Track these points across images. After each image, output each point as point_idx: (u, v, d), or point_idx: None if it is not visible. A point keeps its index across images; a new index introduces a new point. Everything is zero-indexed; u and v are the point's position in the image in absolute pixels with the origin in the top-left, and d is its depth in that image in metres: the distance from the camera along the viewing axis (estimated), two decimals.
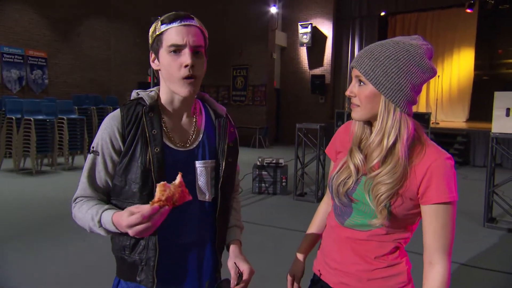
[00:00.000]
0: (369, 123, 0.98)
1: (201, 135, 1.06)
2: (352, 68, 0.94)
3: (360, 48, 11.76)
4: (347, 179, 0.97)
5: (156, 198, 0.82)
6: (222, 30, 11.82)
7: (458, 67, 12.01)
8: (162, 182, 0.82)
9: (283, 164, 5.53)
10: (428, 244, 0.89)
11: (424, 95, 12.67)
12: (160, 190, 0.82)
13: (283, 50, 12.54)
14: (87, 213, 0.95)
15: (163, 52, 0.95)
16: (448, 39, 11.92)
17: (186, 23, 0.94)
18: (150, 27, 1.00)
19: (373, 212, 0.92)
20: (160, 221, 0.83)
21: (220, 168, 1.06)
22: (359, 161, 0.95)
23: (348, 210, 0.98)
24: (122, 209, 0.95)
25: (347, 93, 0.94)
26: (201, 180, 1.04)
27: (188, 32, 0.94)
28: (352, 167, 0.96)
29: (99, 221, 0.92)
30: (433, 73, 0.90)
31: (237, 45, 11.81)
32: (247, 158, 7.93)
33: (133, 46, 10.80)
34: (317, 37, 11.62)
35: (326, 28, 11.63)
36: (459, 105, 11.98)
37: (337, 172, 1.00)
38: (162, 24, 0.95)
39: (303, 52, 12.03)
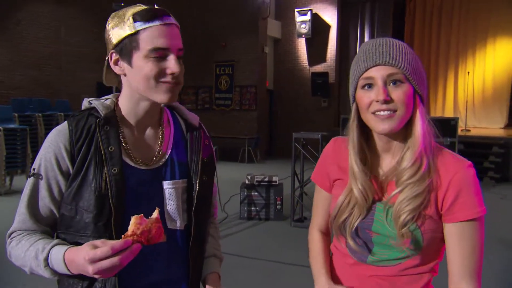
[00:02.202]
0: (364, 135, 1.04)
1: (169, 150, 1.09)
2: (370, 68, 0.96)
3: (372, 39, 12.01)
4: (354, 210, 1.01)
5: (129, 232, 0.86)
6: (201, 18, 11.99)
7: (493, 61, 12.28)
8: (138, 215, 0.88)
9: (277, 183, 5.57)
10: (454, 269, 0.94)
11: (451, 95, 12.95)
12: (135, 223, 0.86)
13: (277, 42, 12.74)
14: (29, 250, 0.95)
15: (139, 56, 0.97)
16: (480, 27, 12.24)
17: (167, 21, 0.98)
18: (109, 16, 1.03)
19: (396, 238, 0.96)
20: (129, 260, 0.86)
21: (194, 189, 1.08)
22: (366, 189, 0.99)
23: (369, 245, 1.01)
24: (73, 244, 0.97)
25: (383, 96, 0.93)
26: (171, 204, 1.06)
27: (171, 34, 0.98)
28: (358, 194, 0.99)
29: (46, 259, 0.92)
30: None
31: (220, 37, 11.97)
32: (234, 175, 7.94)
33: (89, 38, 10.84)
34: (319, 26, 11.87)
35: (329, 15, 11.90)
36: (495, 107, 12.21)
37: (340, 206, 1.03)
38: (136, 21, 0.97)
39: (302, 44, 12.25)
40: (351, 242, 1.03)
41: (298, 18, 11.82)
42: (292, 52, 12.48)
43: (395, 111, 0.94)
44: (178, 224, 1.08)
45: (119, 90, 1.10)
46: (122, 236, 0.86)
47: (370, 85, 0.97)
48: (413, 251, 0.96)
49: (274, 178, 5.55)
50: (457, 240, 0.93)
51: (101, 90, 11.18)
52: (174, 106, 1.17)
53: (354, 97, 1.02)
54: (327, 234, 1.19)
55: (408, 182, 0.95)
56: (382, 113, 0.95)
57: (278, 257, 4.05)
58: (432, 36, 13.22)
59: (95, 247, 0.85)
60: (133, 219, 0.87)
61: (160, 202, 1.05)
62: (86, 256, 0.84)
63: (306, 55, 12.21)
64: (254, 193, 5.46)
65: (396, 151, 1.01)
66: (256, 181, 5.51)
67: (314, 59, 12.08)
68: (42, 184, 0.99)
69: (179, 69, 0.98)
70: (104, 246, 0.85)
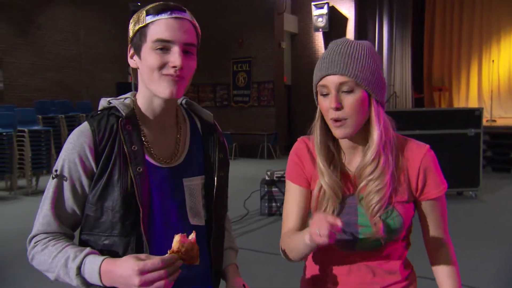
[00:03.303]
0: (330, 134, 1.08)
1: (187, 148, 1.10)
2: (324, 77, 1.02)
3: (390, 32, 11.82)
4: (328, 203, 1.08)
5: (175, 248, 0.88)
6: (218, 15, 12.03)
7: None
8: (180, 234, 0.91)
9: None
10: (432, 234, 1.14)
11: (475, 85, 12.62)
12: (179, 241, 0.89)
13: (294, 37, 12.67)
14: (57, 257, 0.95)
15: (146, 48, 0.98)
16: (505, 12, 11.89)
17: (177, 15, 0.98)
18: (130, 16, 1.04)
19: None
20: (174, 277, 0.87)
21: (213, 185, 1.10)
22: (335, 185, 1.07)
23: (354, 237, 1.08)
24: (97, 245, 0.99)
25: (334, 104, 1.00)
26: (192, 200, 1.08)
27: (179, 27, 0.97)
28: (327, 189, 1.07)
29: (79, 267, 0.92)
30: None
31: (237, 34, 11.99)
32: (254, 172, 7.96)
33: (108, 39, 11.04)
34: (336, 19, 11.74)
35: (347, 8, 11.76)
36: None
37: (318, 198, 1.10)
38: (147, 15, 0.98)
39: (319, 38, 12.15)
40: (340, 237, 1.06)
41: (315, 12, 11.72)
42: (309, 47, 12.39)
43: (345, 119, 1.00)
44: (201, 219, 1.10)
45: (137, 88, 1.11)
46: (168, 251, 0.88)
47: (326, 93, 1.03)
48: (391, 235, 1.07)
49: None
50: (430, 212, 1.11)
51: (120, 90, 11.19)
52: (189, 104, 1.17)
53: (317, 100, 1.09)
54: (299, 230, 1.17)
55: (369, 178, 1.05)
56: (335, 120, 1.02)
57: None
58: (453, 24, 12.90)
59: (140, 259, 0.87)
60: (177, 237, 0.89)
61: (181, 199, 1.07)
62: (136, 266, 0.85)
63: (323, 49, 12.08)
64: (274, 189, 5.46)
65: (359, 150, 1.10)
66: (276, 177, 5.50)
67: None
68: (66, 185, 1.00)
69: (181, 62, 0.96)
70: (152, 259, 0.86)
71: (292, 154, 1.18)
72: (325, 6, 11.60)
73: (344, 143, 1.10)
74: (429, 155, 1.09)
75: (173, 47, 0.97)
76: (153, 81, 0.99)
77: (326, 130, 1.09)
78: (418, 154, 1.08)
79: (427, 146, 1.10)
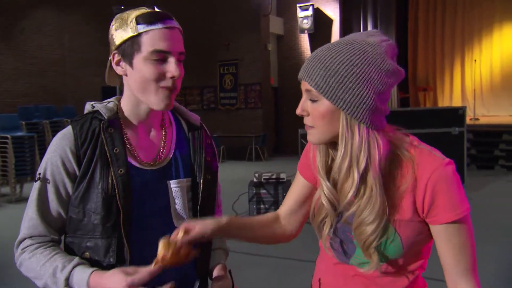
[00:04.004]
0: (333, 143, 0.97)
1: (172, 150, 1.11)
2: (301, 80, 0.94)
3: None
4: (326, 218, 0.99)
5: (160, 256, 0.88)
6: (204, 18, 12.01)
7: (501, 47, 12.17)
8: (163, 239, 0.90)
9: (285, 180, 5.56)
10: (448, 269, 0.92)
11: (459, 84, 12.84)
12: (163, 247, 0.89)
13: (280, 39, 12.72)
14: (46, 266, 0.96)
15: (140, 58, 0.99)
16: (486, 13, 12.12)
17: (169, 25, 1.00)
18: (113, 18, 1.04)
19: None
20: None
21: (198, 188, 1.11)
22: (331, 194, 0.96)
23: (350, 246, 0.99)
24: (80, 247, 1.00)
25: (298, 111, 0.93)
26: (177, 202, 1.09)
27: (173, 37, 1.00)
28: (325, 202, 0.97)
29: (67, 279, 0.93)
30: (399, 75, 0.91)
31: (223, 36, 11.99)
32: (242, 174, 7.95)
33: (93, 43, 10.93)
34: (321, 21, 11.83)
35: (331, 9, 11.86)
36: (503, 94, 12.11)
37: (316, 205, 1.02)
38: (138, 23, 0.99)
39: (305, 40, 12.22)
40: (332, 244, 1.02)
41: (300, 14, 11.80)
42: (295, 48, 12.45)
43: (311, 126, 0.93)
44: (186, 222, 1.09)
45: (122, 92, 1.12)
46: (154, 261, 0.89)
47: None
48: (392, 257, 0.94)
49: (282, 175, 5.54)
50: (445, 240, 0.90)
51: (106, 94, 11.15)
52: (175, 107, 1.18)
53: None
54: (281, 218, 1.15)
55: (348, 199, 0.92)
56: (306, 126, 0.95)
57: (288, 254, 4.05)
58: (436, 25, 13.11)
59: (128, 273, 0.89)
60: (161, 243, 0.89)
61: (166, 201, 1.07)
62: (124, 282, 0.88)
63: (309, 51, 12.17)
64: (262, 191, 5.45)
65: (336, 170, 0.97)
66: (264, 179, 5.50)
67: None
68: (50, 187, 1.01)
69: (179, 72, 1.00)
70: (140, 272, 0.88)
71: (306, 146, 1.13)
72: (310, 8, 11.69)
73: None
74: (443, 170, 0.88)
75: (169, 57, 1.00)
76: (147, 92, 1.01)
77: None
78: (428, 168, 0.89)
79: (444, 160, 0.90)
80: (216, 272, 1.14)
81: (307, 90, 0.92)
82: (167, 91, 1.01)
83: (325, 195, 0.97)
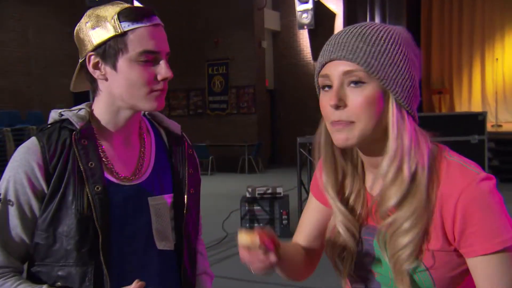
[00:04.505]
0: (343, 153, 0.94)
1: (152, 163, 1.12)
2: (326, 64, 0.88)
3: None
4: (344, 251, 0.94)
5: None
6: (190, 11, 12.09)
7: None
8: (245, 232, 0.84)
9: (282, 195, 5.58)
10: None
11: (478, 87, 12.97)
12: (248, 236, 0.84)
13: (276, 35, 12.82)
14: None
15: (126, 60, 1.00)
16: (507, 5, 12.27)
17: (155, 22, 1.02)
18: (85, 13, 1.05)
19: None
20: None
21: (182, 204, 1.12)
22: (346, 220, 0.93)
23: (374, 285, 0.95)
24: (50, 277, 0.99)
25: (334, 101, 0.84)
26: (159, 222, 1.09)
27: (160, 35, 1.02)
28: (342, 230, 0.93)
29: None
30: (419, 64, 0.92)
31: (212, 32, 12.06)
32: (234, 188, 7.95)
33: (62, 40, 10.93)
34: (323, 15, 11.95)
35: (334, 2, 11.99)
36: None
37: (331, 236, 0.97)
38: (122, 21, 0.99)
39: (304, 37, 12.33)
40: (352, 283, 0.99)
41: (299, 7, 11.90)
42: (293, 46, 12.55)
43: (352, 121, 0.85)
44: (169, 243, 1.11)
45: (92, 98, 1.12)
46: None
47: (328, 86, 0.88)
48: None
49: (279, 190, 5.56)
50: (483, 277, 0.82)
51: (79, 99, 11.10)
52: (153, 114, 1.19)
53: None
54: (306, 251, 1.08)
55: (392, 206, 0.86)
56: (336, 121, 0.86)
57: (287, 280, 4.05)
58: (453, 19, 13.28)
59: None
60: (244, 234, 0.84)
61: (146, 220, 1.08)
62: None
63: (309, 49, 12.28)
64: (256, 208, 5.46)
65: (384, 171, 0.89)
66: (258, 194, 5.52)
67: (319, 52, 11.98)
68: (13, 210, 0.99)
69: (170, 73, 1.02)
70: None
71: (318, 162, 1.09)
72: (310, 1, 11.77)
73: (364, 158, 0.94)
74: (476, 188, 0.81)
75: (159, 58, 1.02)
76: (136, 97, 1.02)
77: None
78: (458, 185, 0.82)
79: (479, 175, 0.83)
80: None
81: (347, 72, 0.85)
82: (158, 93, 1.03)
83: (340, 221, 0.92)
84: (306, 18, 11.83)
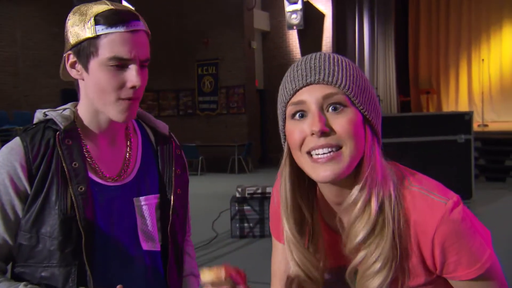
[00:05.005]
0: (301, 189, 0.88)
1: (138, 163, 1.12)
2: (300, 89, 0.81)
3: (372, 29, 12.18)
4: None
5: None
6: (179, 12, 12.06)
7: (511, 45, 12.51)
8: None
9: None
10: None
11: (465, 87, 13.14)
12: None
13: (266, 36, 12.85)
14: None
15: (96, 63, 0.99)
16: (494, 7, 12.45)
17: (133, 28, 0.99)
18: (70, 12, 1.03)
19: None
20: None
21: (168, 205, 1.12)
22: (304, 260, 0.87)
23: None
24: (33, 278, 0.99)
25: (319, 127, 0.77)
26: (144, 222, 1.10)
27: (136, 42, 0.99)
28: (294, 269, 0.88)
29: None
30: None
31: (201, 33, 12.05)
32: (224, 188, 7.94)
33: (50, 39, 10.83)
34: (312, 15, 12.00)
35: (323, 3, 12.04)
36: None
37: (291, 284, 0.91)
38: (97, 24, 0.97)
39: (293, 37, 12.37)
40: None
41: (288, 8, 11.94)
42: (283, 46, 12.58)
43: (339, 147, 0.79)
44: (155, 244, 1.12)
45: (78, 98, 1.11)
46: None
47: (302, 114, 0.81)
48: None
49: (268, 189, 5.57)
50: None
51: (66, 99, 11.00)
52: (140, 114, 1.19)
53: (284, 133, 0.86)
54: None
55: (359, 242, 0.82)
56: (321, 152, 0.79)
57: None
58: (440, 21, 13.44)
59: None
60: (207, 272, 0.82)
61: (132, 221, 1.08)
62: None
63: (299, 49, 12.32)
64: (246, 208, 5.47)
65: (351, 203, 0.84)
66: (248, 194, 5.52)
67: (309, 53, 11.84)
68: None
69: (140, 82, 0.99)
70: None
71: (271, 202, 1.06)
72: (300, 1, 11.81)
73: (327, 194, 0.88)
74: (449, 221, 0.80)
75: (130, 64, 0.99)
76: (105, 103, 1.01)
77: (299, 180, 0.88)
78: (431, 219, 0.80)
79: (448, 204, 0.81)
80: None
81: (327, 96, 0.80)
82: (127, 102, 1.01)
83: (296, 264, 0.87)
84: (295, 19, 11.87)
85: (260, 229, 5.49)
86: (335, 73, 0.80)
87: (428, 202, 0.82)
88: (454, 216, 0.80)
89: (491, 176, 8.80)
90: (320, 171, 0.79)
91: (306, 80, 0.81)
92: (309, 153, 0.80)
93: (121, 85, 1.00)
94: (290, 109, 0.83)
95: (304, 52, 12.18)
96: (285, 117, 0.85)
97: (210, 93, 12.35)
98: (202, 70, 12.39)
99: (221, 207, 6.26)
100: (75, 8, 1.04)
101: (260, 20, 12.42)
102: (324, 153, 0.79)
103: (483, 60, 12.48)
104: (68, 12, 1.07)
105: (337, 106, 0.79)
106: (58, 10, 10.52)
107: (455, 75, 13.37)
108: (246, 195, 5.53)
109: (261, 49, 12.81)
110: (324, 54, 0.85)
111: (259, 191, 5.56)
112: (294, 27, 11.99)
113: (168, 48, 11.20)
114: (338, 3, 12.15)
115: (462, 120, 6.16)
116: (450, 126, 6.15)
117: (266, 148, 12.87)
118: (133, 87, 1.00)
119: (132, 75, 0.99)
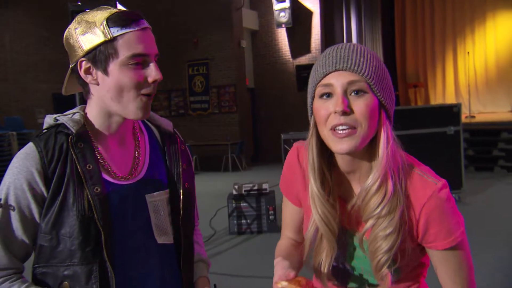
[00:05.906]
0: (325, 152, 1.02)
1: (147, 161, 1.16)
2: (329, 73, 0.94)
3: (359, 26, 12.26)
4: (325, 246, 1.02)
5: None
6: (168, 12, 12.03)
7: (495, 37, 12.65)
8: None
9: (268, 190, 5.64)
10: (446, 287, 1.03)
11: (452, 79, 13.28)
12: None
13: (255, 34, 12.87)
14: None
15: (117, 64, 1.02)
16: (477, 1, 12.57)
17: (143, 26, 1.05)
18: (70, 17, 1.08)
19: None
20: None
21: (178, 199, 1.17)
22: (328, 214, 1.00)
23: (347, 276, 1.07)
24: (56, 277, 1.03)
25: (342, 107, 0.91)
26: (157, 217, 1.14)
27: (149, 38, 1.06)
28: (319, 223, 1.00)
29: None
30: None
31: (191, 33, 12.03)
32: (219, 187, 7.98)
33: (40, 44, 10.78)
34: (300, 13, 12.04)
35: (311, 0, 12.09)
36: (500, 89, 12.56)
37: (311, 244, 1.05)
38: (111, 26, 1.01)
39: (282, 35, 12.41)
40: (329, 282, 1.07)
41: (276, 6, 11.95)
42: (272, 45, 12.61)
43: (355, 127, 0.93)
44: (169, 237, 1.17)
45: (83, 101, 1.15)
46: None
47: (328, 94, 0.95)
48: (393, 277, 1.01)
49: (264, 186, 5.62)
50: (442, 264, 1.00)
51: (59, 102, 11.00)
52: None
53: (312, 109, 1.00)
54: (299, 243, 1.18)
55: (376, 214, 0.96)
56: (340, 128, 0.93)
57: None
58: (425, 15, 13.56)
59: None
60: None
61: (145, 217, 1.13)
62: None
63: (288, 47, 12.36)
64: (243, 204, 5.51)
65: (362, 173, 1.01)
66: (245, 191, 5.57)
67: (298, 50, 12.24)
68: (14, 215, 1.02)
69: (160, 75, 1.05)
70: None
71: (285, 164, 1.18)
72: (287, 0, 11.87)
73: (342, 164, 1.02)
74: (436, 198, 0.96)
75: (149, 61, 1.06)
76: (124, 101, 1.05)
77: (322, 147, 1.01)
78: (422, 196, 0.97)
79: (438, 185, 0.97)
80: (200, 287, 1.22)
81: (352, 82, 0.93)
82: (146, 98, 1.06)
83: (324, 222, 1.00)
84: (283, 17, 11.89)
85: (258, 225, 5.54)
86: (360, 63, 0.93)
87: (423, 181, 0.98)
88: (441, 195, 0.96)
89: (480, 166, 8.92)
90: (338, 144, 0.94)
91: (335, 67, 0.94)
92: (332, 129, 0.94)
93: (143, 81, 1.05)
94: (319, 90, 0.96)
95: (293, 49, 12.25)
96: (314, 96, 0.98)
97: (201, 93, 12.34)
98: (193, 70, 12.38)
99: (218, 205, 6.31)
100: (78, 17, 1.06)
101: (249, 19, 12.43)
102: (343, 129, 0.93)
103: (468, 53, 12.63)
104: (60, 16, 1.09)
105: (359, 91, 0.93)
106: (47, 15, 10.47)
107: (441, 69, 13.51)
108: (243, 192, 5.56)
109: (250, 48, 12.84)
110: (353, 45, 0.98)
111: (255, 187, 5.60)
112: (283, 25, 12.00)
113: (159, 49, 11.12)
114: (325, 0, 12.20)
115: (451, 112, 6.22)
116: (439, 118, 6.21)
117: (258, 146, 12.92)
118: (154, 81, 1.05)
119: (151, 70, 1.06)
